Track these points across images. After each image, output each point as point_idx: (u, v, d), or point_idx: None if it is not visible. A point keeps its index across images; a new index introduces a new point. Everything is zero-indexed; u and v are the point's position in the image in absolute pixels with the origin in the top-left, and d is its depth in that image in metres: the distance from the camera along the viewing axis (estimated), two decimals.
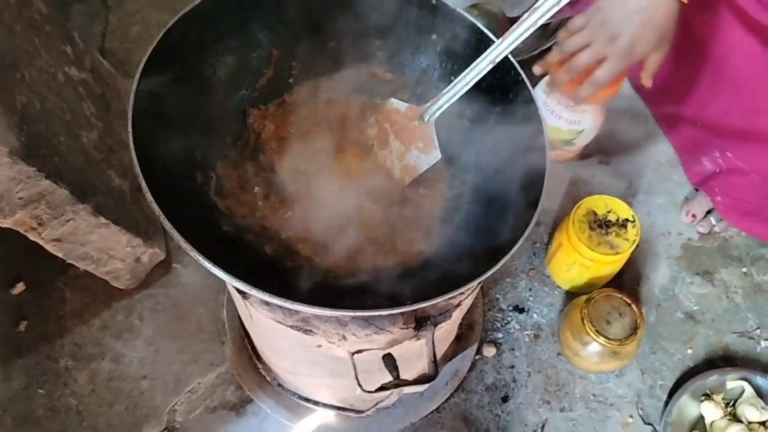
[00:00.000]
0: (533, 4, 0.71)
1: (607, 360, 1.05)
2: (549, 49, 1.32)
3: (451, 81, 0.74)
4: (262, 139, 0.77)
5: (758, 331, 1.18)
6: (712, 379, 1.08)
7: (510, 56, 0.73)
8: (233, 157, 0.74)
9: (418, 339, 0.72)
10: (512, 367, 1.13)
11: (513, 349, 1.14)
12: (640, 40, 0.80)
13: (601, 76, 0.83)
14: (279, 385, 1.05)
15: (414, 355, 0.76)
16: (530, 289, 1.20)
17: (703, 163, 1.16)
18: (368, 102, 0.82)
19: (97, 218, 0.95)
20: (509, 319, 1.17)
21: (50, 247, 0.94)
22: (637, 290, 1.21)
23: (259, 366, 1.06)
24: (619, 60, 0.81)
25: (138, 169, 0.57)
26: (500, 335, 1.15)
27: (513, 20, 0.73)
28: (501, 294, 1.19)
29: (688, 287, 1.21)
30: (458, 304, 0.74)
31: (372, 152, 0.78)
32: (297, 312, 0.70)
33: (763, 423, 1.05)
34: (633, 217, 1.07)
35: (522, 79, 0.73)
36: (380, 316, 0.67)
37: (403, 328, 0.69)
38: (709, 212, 1.25)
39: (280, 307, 0.69)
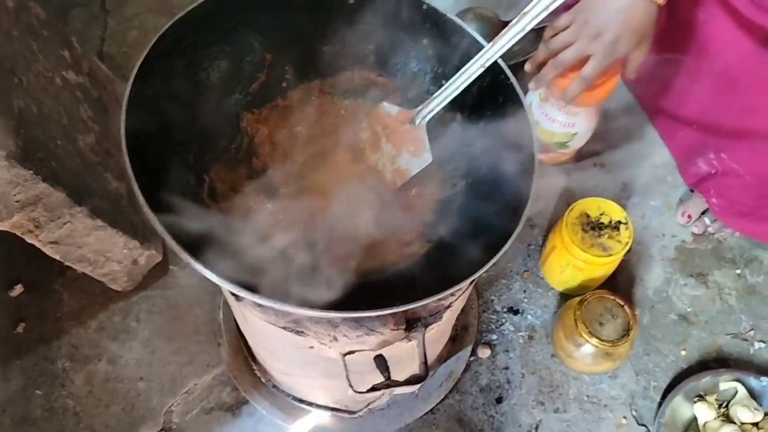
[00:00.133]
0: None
1: (600, 361, 1.05)
2: None
3: (443, 85, 0.75)
4: (256, 143, 0.78)
5: (752, 332, 1.18)
6: (705, 380, 1.09)
7: (500, 60, 0.74)
8: (226, 160, 0.75)
9: (410, 340, 0.73)
10: (506, 368, 1.13)
11: (507, 351, 1.15)
12: (622, 38, 0.83)
13: (587, 72, 0.87)
14: (274, 386, 1.06)
15: (406, 356, 0.76)
16: (525, 291, 1.21)
17: (698, 165, 1.16)
18: (360, 106, 0.83)
19: (93, 221, 0.96)
20: (504, 320, 1.18)
21: (47, 250, 0.95)
22: (631, 292, 1.21)
23: (255, 367, 1.07)
24: (604, 57, 0.85)
25: (130, 172, 0.58)
26: (495, 337, 1.16)
27: (507, 24, 0.74)
28: (496, 296, 1.20)
29: (681, 289, 1.22)
30: (449, 306, 0.74)
31: (364, 155, 0.79)
32: (289, 313, 0.71)
33: (755, 424, 1.06)
34: (626, 219, 1.07)
35: (512, 83, 0.74)
36: (370, 317, 0.68)
37: (394, 330, 0.70)
38: (703, 213, 1.26)
39: (272, 308, 0.70)
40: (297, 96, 0.82)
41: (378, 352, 0.72)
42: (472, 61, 0.73)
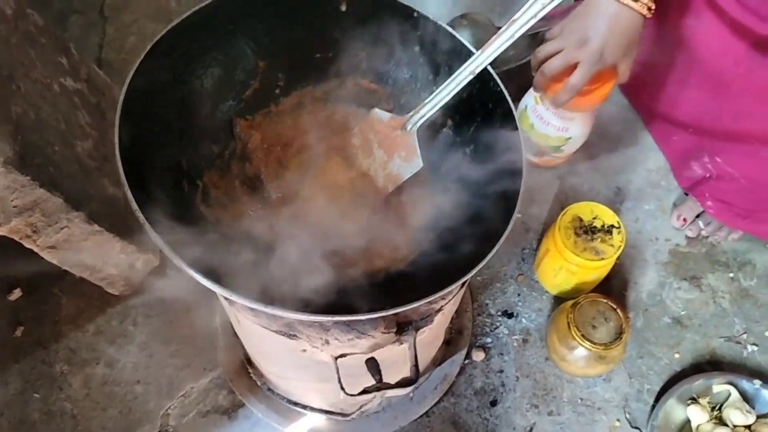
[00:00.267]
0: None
1: (593, 364, 1.06)
2: None
3: (434, 91, 0.76)
4: (249, 149, 0.79)
5: (745, 335, 1.19)
6: (698, 383, 1.09)
7: (489, 67, 0.75)
8: (220, 166, 0.76)
9: (401, 343, 0.74)
10: (501, 371, 1.14)
11: (502, 354, 1.16)
12: (608, 47, 0.86)
13: (574, 81, 0.89)
14: (269, 389, 1.07)
15: (399, 359, 0.77)
16: (519, 295, 1.22)
17: (693, 168, 1.17)
18: (353, 112, 0.84)
19: (91, 226, 0.97)
20: (498, 324, 1.18)
21: (45, 254, 0.96)
22: (625, 295, 1.22)
23: (250, 371, 1.08)
24: (591, 65, 0.87)
25: (123, 178, 0.59)
26: (489, 340, 1.17)
27: None
28: (490, 299, 1.21)
29: (675, 292, 1.23)
30: (439, 309, 0.75)
31: (356, 161, 0.80)
32: (281, 317, 0.71)
33: (748, 427, 1.07)
34: (618, 223, 1.08)
35: (501, 89, 0.75)
36: (361, 320, 0.69)
37: (385, 333, 0.71)
38: (697, 216, 1.27)
39: (264, 312, 0.70)
40: (290, 102, 0.83)
41: (370, 355, 0.73)
42: (461, 68, 0.74)
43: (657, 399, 1.12)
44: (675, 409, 1.09)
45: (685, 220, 1.27)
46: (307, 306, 0.61)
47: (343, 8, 0.80)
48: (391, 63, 0.83)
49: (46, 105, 0.95)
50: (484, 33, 1.28)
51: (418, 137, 0.78)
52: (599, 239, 1.08)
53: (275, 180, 0.78)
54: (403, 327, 0.73)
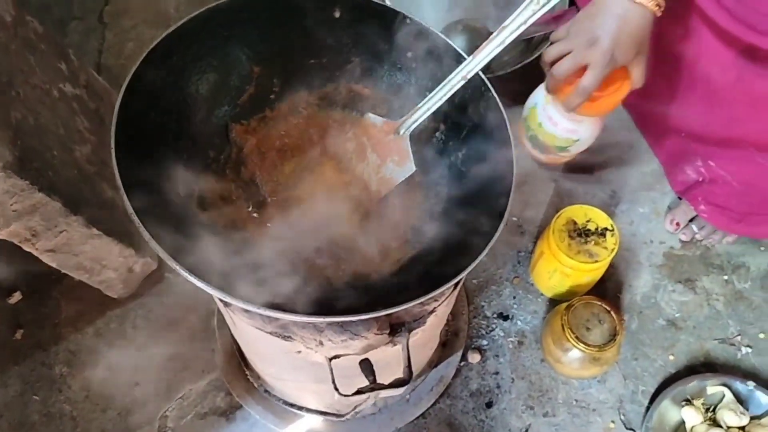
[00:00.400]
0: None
1: (588, 366, 1.07)
2: (534, 61, 1.35)
3: (426, 96, 0.77)
4: (244, 153, 0.80)
5: (739, 337, 1.20)
6: (692, 384, 1.10)
7: (480, 72, 0.76)
8: (215, 170, 0.77)
9: (394, 345, 0.75)
10: (496, 373, 1.15)
11: (497, 356, 1.17)
12: (619, 47, 0.83)
13: (585, 83, 0.85)
14: (266, 391, 1.08)
15: (393, 361, 0.78)
16: (514, 297, 1.23)
17: (686, 172, 1.18)
18: (347, 117, 0.85)
19: (89, 229, 0.98)
20: (494, 326, 1.19)
21: (44, 258, 0.97)
22: (620, 298, 1.23)
23: (248, 373, 1.09)
24: (601, 66, 0.84)
25: (120, 182, 0.60)
26: (485, 342, 1.18)
27: None
28: (486, 302, 1.22)
29: (669, 295, 1.24)
30: (432, 311, 0.76)
31: (350, 165, 0.82)
32: (275, 319, 0.73)
33: (742, 428, 1.07)
34: (612, 226, 1.09)
35: (492, 93, 0.76)
36: (353, 322, 0.70)
37: (378, 334, 0.72)
38: (691, 220, 1.28)
39: (259, 314, 0.72)
40: (285, 107, 0.84)
41: (363, 356, 0.74)
42: (453, 73, 0.75)
43: (651, 400, 1.13)
44: (669, 411, 1.10)
45: (678, 224, 1.28)
46: (300, 308, 0.62)
47: (337, 15, 0.81)
48: (384, 68, 0.84)
49: (45, 110, 0.96)
50: (479, 39, 1.29)
51: (411, 141, 0.79)
52: (593, 242, 1.09)
53: (270, 184, 0.79)
54: (396, 328, 0.75)
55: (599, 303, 1.06)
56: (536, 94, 1.10)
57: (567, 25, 0.89)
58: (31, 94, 0.94)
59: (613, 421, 1.11)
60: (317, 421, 1.06)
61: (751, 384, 1.09)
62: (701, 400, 1.10)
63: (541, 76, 1.48)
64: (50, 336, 1.14)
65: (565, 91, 0.91)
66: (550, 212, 1.30)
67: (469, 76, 0.75)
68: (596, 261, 1.07)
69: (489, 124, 0.76)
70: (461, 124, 0.80)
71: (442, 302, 0.77)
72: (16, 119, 0.87)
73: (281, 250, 0.74)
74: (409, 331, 0.75)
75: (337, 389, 0.72)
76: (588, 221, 1.10)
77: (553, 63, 0.89)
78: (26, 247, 0.93)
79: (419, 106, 0.77)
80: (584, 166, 1.37)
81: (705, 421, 1.08)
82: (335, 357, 0.73)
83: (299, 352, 0.75)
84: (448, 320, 1.16)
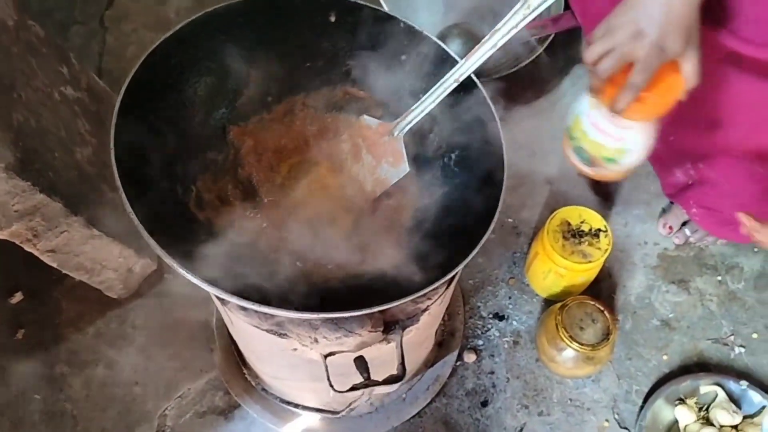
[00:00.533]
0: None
1: (581, 365, 1.08)
2: (532, 63, 1.37)
3: (420, 98, 0.79)
4: (241, 155, 0.82)
5: (732, 337, 1.21)
6: (685, 384, 1.11)
7: (473, 75, 0.77)
8: (213, 171, 0.79)
9: (389, 342, 0.76)
10: (492, 372, 1.16)
11: (493, 356, 1.18)
12: (666, 38, 0.75)
13: (635, 78, 0.77)
14: (263, 389, 1.09)
15: (388, 359, 0.80)
16: (510, 297, 1.24)
17: (676, 175, 1.19)
18: (342, 119, 0.87)
19: (90, 230, 0.99)
20: (489, 326, 1.21)
21: (45, 258, 0.99)
22: (614, 298, 1.24)
23: (246, 372, 1.10)
24: (651, 59, 0.75)
25: (119, 182, 0.62)
26: (480, 342, 1.19)
27: None
28: (482, 302, 1.23)
29: (663, 295, 1.25)
30: (426, 309, 0.78)
31: (345, 166, 0.83)
32: (272, 316, 0.74)
33: (735, 427, 1.08)
34: (605, 227, 1.11)
35: (484, 96, 0.78)
36: (347, 319, 0.72)
37: (372, 332, 0.73)
38: (684, 224, 1.29)
39: (255, 311, 0.73)
40: (281, 110, 0.86)
41: (358, 354, 0.75)
42: (446, 76, 0.76)
43: (645, 400, 1.14)
44: (663, 410, 1.11)
45: (671, 227, 1.29)
46: (295, 305, 0.63)
47: (333, 19, 0.83)
48: (380, 71, 0.86)
49: (46, 113, 0.98)
50: (474, 42, 1.30)
51: (405, 143, 0.80)
52: (587, 242, 1.10)
53: (267, 184, 0.81)
54: (390, 326, 0.76)
55: (593, 303, 1.07)
56: (580, 100, 0.99)
57: (605, 21, 0.81)
58: (33, 97, 0.96)
59: (607, 420, 1.13)
60: (314, 419, 1.08)
61: (744, 383, 1.10)
62: (694, 400, 1.11)
63: (538, 80, 1.51)
64: (51, 336, 1.16)
65: (610, 93, 0.81)
66: (546, 213, 1.31)
67: (461, 79, 0.76)
68: (590, 261, 1.08)
69: (481, 126, 0.78)
70: (454, 126, 0.81)
71: (435, 301, 0.78)
72: (18, 121, 0.89)
73: (277, 249, 0.75)
74: (403, 328, 0.76)
75: (332, 385, 0.74)
76: (582, 222, 1.12)
77: (594, 64, 0.81)
78: (27, 248, 0.95)
79: (413, 108, 0.79)
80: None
81: (698, 420, 1.10)
82: (330, 354, 0.74)
83: (295, 349, 0.76)
84: (444, 320, 1.18)
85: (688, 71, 0.79)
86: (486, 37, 0.76)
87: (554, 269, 1.12)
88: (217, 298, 0.76)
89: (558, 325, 1.06)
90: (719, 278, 1.27)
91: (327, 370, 0.75)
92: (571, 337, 1.04)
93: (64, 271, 1.03)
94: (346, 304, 0.65)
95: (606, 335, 1.05)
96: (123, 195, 0.61)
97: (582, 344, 1.04)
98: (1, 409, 1.08)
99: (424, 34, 0.82)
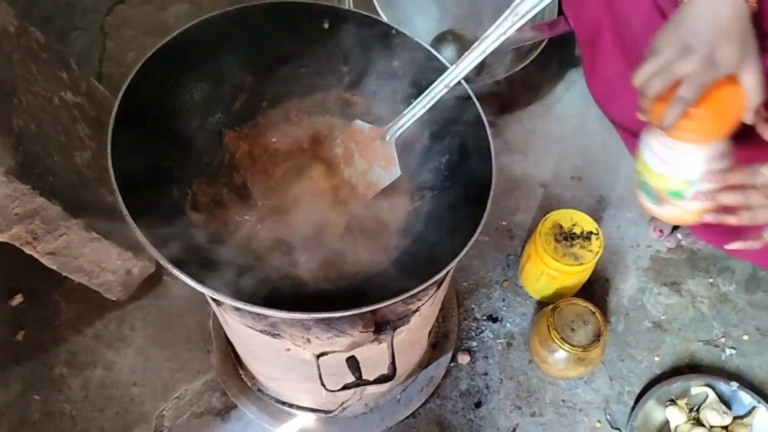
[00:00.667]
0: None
1: (573, 366, 1.10)
2: (522, 70, 1.39)
3: (411, 103, 0.81)
4: (237, 158, 0.83)
5: (723, 339, 1.22)
6: (676, 385, 1.13)
7: (463, 81, 0.79)
8: (209, 174, 0.81)
9: (380, 343, 0.78)
10: (485, 374, 1.18)
11: (486, 357, 1.19)
12: (716, 49, 0.70)
13: (683, 90, 0.71)
14: (259, 390, 1.10)
15: (380, 359, 0.81)
16: (504, 300, 1.25)
17: None
18: (336, 123, 0.89)
19: (89, 233, 1.01)
20: (483, 328, 1.22)
21: (45, 260, 1.00)
22: (607, 300, 1.26)
23: (242, 373, 1.12)
24: (700, 73, 0.70)
25: (115, 185, 0.63)
26: (474, 344, 1.21)
27: None
28: (476, 304, 1.25)
29: (656, 297, 1.27)
30: (416, 310, 0.79)
31: (338, 170, 0.85)
32: (265, 317, 0.76)
33: (725, 427, 1.10)
34: (597, 229, 1.12)
35: (473, 101, 0.80)
36: (339, 319, 0.73)
37: (363, 332, 0.75)
38: (676, 228, 1.30)
39: (249, 312, 0.75)
40: (276, 115, 0.87)
41: (350, 354, 0.77)
42: (437, 82, 0.78)
43: (637, 401, 1.16)
44: (654, 411, 1.12)
45: (661, 232, 1.31)
46: (287, 305, 0.65)
47: (326, 26, 0.85)
48: (372, 77, 0.88)
49: (46, 118, 1.00)
50: (469, 48, 1.32)
51: (397, 147, 0.82)
52: (578, 245, 1.12)
53: (261, 187, 0.82)
54: (381, 327, 0.77)
55: (584, 305, 1.09)
56: (645, 132, 0.88)
57: (653, 45, 0.76)
58: (33, 102, 0.98)
59: (599, 421, 1.14)
60: (310, 420, 1.09)
61: (734, 384, 1.11)
62: (685, 400, 1.13)
63: (533, 84, 1.53)
64: (51, 337, 1.17)
65: (659, 112, 0.74)
66: (539, 216, 1.32)
67: (451, 84, 0.77)
68: (581, 264, 1.10)
69: (471, 130, 0.80)
70: (445, 130, 0.83)
71: (426, 302, 0.80)
72: (19, 126, 0.91)
73: (270, 250, 0.77)
74: (394, 329, 0.78)
75: (323, 385, 0.75)
76: (574, 225, 1.13)
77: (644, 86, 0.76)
78: (27, 250, 0.97)
79: (404, 112, 0.80)
80: (573, 172, 1.39)
81: (689, 420, 1.11)
82: (322, 354, 0.76)
83: (288, 349, 0.78)
84: (438, 322, 1.19)
85: (749, 84, 0.72)
86: (475, 44, 0.77)
87: (546, 271, 1.14)
88: (212, 299, 0.78)
89: (549, 327, 1.07)
90: (711, 280, 1.29)
91: (319, 370, 0.76)
92: (562, 338, 1.06)
93: (63, 274, 1.05)
94: (338, 304, 0.67)
95: (597, 336, 1.06)
96: (119, 197, 0.63)
97: (573, 345, 1.05)
98: (1, 409, 1.10)
99: (416, 40, 0.84)
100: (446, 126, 0.83)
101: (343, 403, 0.83)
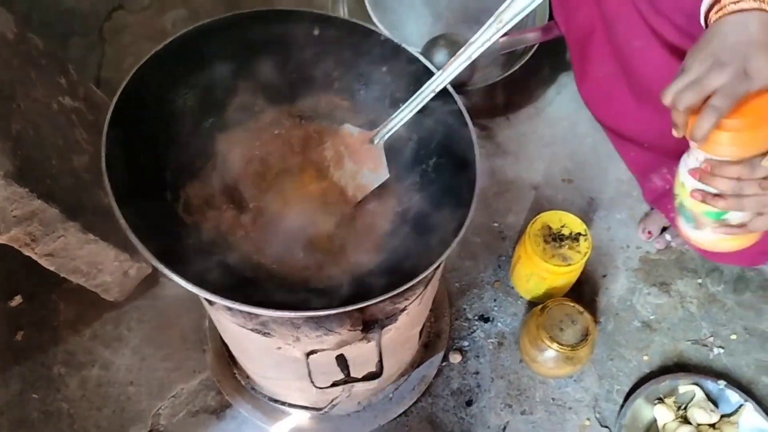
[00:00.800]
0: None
1: (562, 365, 1.12)
2: (514, 74, 1.41)
3: (399, 107, 0.83)
4: (229, 162, 0.85)
5: (711, 338, 1.24)
6: (665, 384, 1.15)
7: (449, 86, 0.81)
8: (201, 177, 0.83)
9: (368, 341, 0.80)
10: (477, 373, 1.19)
11: (478, 356, 1.21)
12: (750, 61, 0.69)
13: (715, 101, 0.69)
14: (253, 388, 1.12)
15: (370, 358, 0.83)
16: (495, 300, 1.27)
17: (653, 181, 1.22)
18: (326, 127, 0.91)
19: (86, 235, 1.03)
20: (475, 327, 1.24)
21: (43, 262, 1.03)
22: (597, 300, 1.28)
23: (236, 372, 1.14)
24: (733, 85, 0.69)
25: (109, 188, 0.66)
26: (466, 343, 1.22)
27: None
28: (468, 304, 1.27)
29: (645, 297, 1.28)
30: (404, 309, 0.81)
31: (328, 172, 0.87)
32: (256, 316, 0.78)
33: (712, 425, 1.12)
34: (585, 231, 1.14)
35: (459, 106, 0.82)
36: (326, 317, 0.75)
37: (351, 331, 0.77)
38: (665, 229, 1.32)
39: (240, 311, 0.77)
40: (268, 119, 0.89)
41: (338, 352, 0.79)
42: (424, 87, 0.80)
43: (626, 399, 1.17)
44: (642, 409, 1.14)
45: (650, 233, 1.32)
46: (278, 305, 0.67)
47: (317, 32, 0.87)
48: (361, 82, 0.90)
49: (45, 122, 1.02)
50: None
51: (386, 150, 0.84)
52: (567, 246, 1.13)
53: (253, 190, 0.84)
54: (369, 325, 0.79)
55: (572, 304, 1.11)
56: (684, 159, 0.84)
57: (684, 64, 0.74)
58: (32, 107, 1.00)
59: (588, 419, 1.16)
60: (303, 418, 1.11)
61: (721, 383, 1.13)
62: (673, 399, 1.14)
63: (524, 88, 1.55)
64: (49, 337, 1.19)
65: (690, 124, 0.72)
66: (530, 218, 1.34)
67: (438, 89, 0.80)
68: (570, 264, 1.12)
69: (457, 133, 0.82)
70: (432, 133, 0.85)
71: (413, 301, 0.82)
72: (17, 131, 0.93)
73: (261, 251, 0.79)
74: (382, 327, 0.80)
75: (312, 382, 0.77)
76: (562, 226, 1.15)
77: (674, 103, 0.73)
78: (26, 252, 0.99)
79: (392, 116, 0.83)
80: (563, 174, 1.41)
81: (676, 418, 1.13)
82: (312, 352, 0.78)
83: (279, 348, 0.80)
84: (430, 322, 1.21)
85: None
86: (461, 50, 0.79)
87: (536, 272, 1.16)
88: (204, 299, 0.80)
89: (539, 327, 1.09)
90: (699, 281, 1.30)
91: (309, 367, 0.78)
92: (550, 337, 1.08)
93: (61, 275, 1.07)
94: (325, 303, 0.69)
95: (585, 336, 1.08)
96: (112, 199, 0.65)
97: (562, 344, 1.07)
98: (0, 408, 1.12)
99: (403, 46, 0.86)
100: (433, 129, 0.85)
101: (332, 401, 0.85)
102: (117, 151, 0.70)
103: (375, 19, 1.35)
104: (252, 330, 0.78)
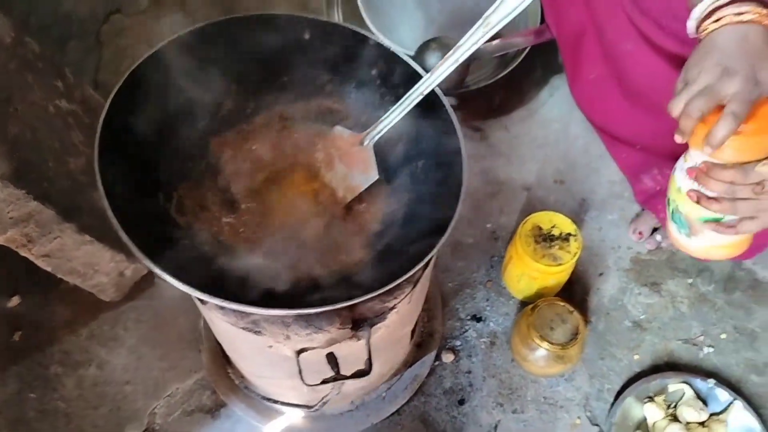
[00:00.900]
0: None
1: (552, 364, 1.13)
2: (506, 76, 1.42)
3: (389, 110, 0.84)
4: (221, 163, 0.87)
5: (702, 338, 1.25)
6: (655, 382, 1.16)
7: (437, 88, 0.82)
8: (194, 179, 0.84)
9: (358, 339, 0.81)
10: (469, 372, 1.21)
11: (470, 356, 1.22)
12: (759, 68, 0.69)
13: (732, 107, 0.68)
14: (246, 387, 1.14)
15: (360, 356, 0.85)
16: (487, 300, 1.29)
17: (644, 182, 1.23)
18: (317, 129, 0.92)
19: (82, 236, 1.05)
20: (467, 327, 1.25)
21: (40, 262, 1.04)
22: (588, 300, 1.29)
23: (230, 371, 1.15)
24: (745, 92, 0.68)
25: (102, 190, 0.67)
26: (458, 343, 1.24)
27: None
28: (460, 304, 1.28)
29: (636, 297, 1.30)
30: (393, 308, 0.83)
31: (319, 174, 0.88)
32: (247, 315, 0.79)
33: (701, 423, 1.13)
34: (575, 231, 1.16)
35: (446, 107, 0.83)
36: (315, 316, 0.77)
37: (341, 329, 0.78)
38: (655, 230, 1.34)
39: (232, 310, 0.78)
40: (260, 121, 0.91)
41: (328, 350, 0.80)
42: (412, 89, 0.82)
43: (616, 398, 1.18)
44: (633, 407, 1.15)
45: (641, 233, 1.34)
46: (266, 303, 0.69)
47: (307, 36, 0.89)
48: (352, 85, 0.92)
49: (41, 125, 1.03)
50: None
51: (376, 152, 0.85)
52: (557, 246, 1.15)
53: (244, 191, 0.86)
54: (359, 324, 0.81)
55: (562, 304, 1.12)
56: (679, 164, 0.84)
57: (682, 74, 0.75)
58: (29, 110, 1.01)
59: (579, 418, 1.17)
60: (296, 416, 1.12)
61: (711, 382, 1.14)
62: (663, 397, 1.16)
63: (516, 90, 1.57)
64: (46, 337, 1.21)
65: (703, 132, 0.70)
66: (522, 219, 1.36)
67: (426, 92, 0.81)
68: (560, 264, 1.13)
69: (444, 135, 0.83)
70: (420, 135, 0.87)
71: (402, 300, 0.83)
72: (14, 133, 0.95)
73: (252, 251, 0.81)
74: (371, 326, 0.81)
75: (302, 379, 0.79)
76: (553, 227, 1.17)
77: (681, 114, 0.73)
78: (23, 252, 1.00)
79: (382, 119, 0.84)
80: (555, 176, 1.42)
81: (666, 417, 1.14)
82: (302, 351, 0.79)
83: (270, 346, 0.81)
84: (423, 322, 1.23)
85: None
86: (449, 53, 0.81)
87: (527, 272, 1.17)
88: (197, 298, 0.81)
89: (529, 326, 1.10)
90: (690, 281, 1.32)
91: (299, 365, 0.80)
92: (541, 336, 1.09)
93: (58, 276, 1.08)
94: (315, 302, 0.71)
95: (575, 334, 1.10)
96: (104, 198, 0.67)
97: (552, 343, 1.09)
98: None
99: (393, 50, 0.88)
100: (422, 131, 0.86)
101: (323, 398, 0.86)
102: (110, 153, 0.72)
103: (369, 23, 1.36)
104: (243, 329, 0.80)
